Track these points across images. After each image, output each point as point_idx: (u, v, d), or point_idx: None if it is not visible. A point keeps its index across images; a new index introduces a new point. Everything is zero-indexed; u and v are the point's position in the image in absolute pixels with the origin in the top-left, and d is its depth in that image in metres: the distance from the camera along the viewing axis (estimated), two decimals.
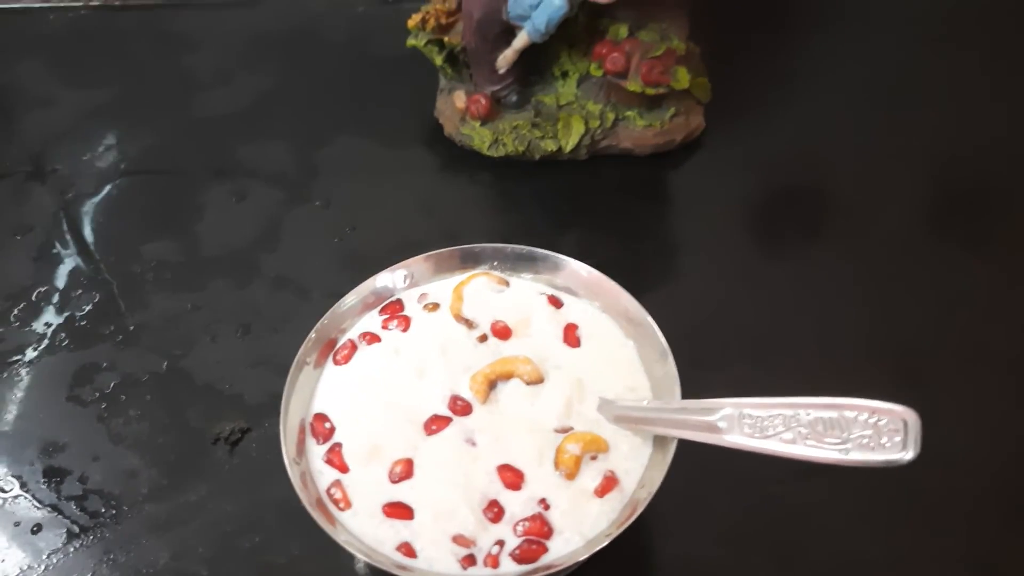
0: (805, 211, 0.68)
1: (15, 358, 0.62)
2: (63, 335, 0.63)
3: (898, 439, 0.37)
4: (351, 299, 0.51)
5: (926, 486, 0.52)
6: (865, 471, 0.50)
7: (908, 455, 0.37)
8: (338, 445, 0.47)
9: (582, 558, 0.42)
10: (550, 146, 0.69)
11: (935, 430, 0.51)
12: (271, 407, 0.56)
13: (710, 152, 0.71)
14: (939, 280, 0.62)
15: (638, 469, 0.45)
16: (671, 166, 0.70)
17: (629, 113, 0.69)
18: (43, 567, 0.52)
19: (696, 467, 0.47)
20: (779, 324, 0.60)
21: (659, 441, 0.46)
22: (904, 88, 0.75)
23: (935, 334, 0.60)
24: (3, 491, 0.56)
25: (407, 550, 0.43)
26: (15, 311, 0.64)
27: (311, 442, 0.47)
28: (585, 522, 0.44)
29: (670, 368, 0.46)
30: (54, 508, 0.55)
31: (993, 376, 0.58)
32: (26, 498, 0.55)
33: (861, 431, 0.38)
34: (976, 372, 0.58)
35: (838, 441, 0.38)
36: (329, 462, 0.46)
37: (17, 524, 0.54)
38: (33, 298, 0.65)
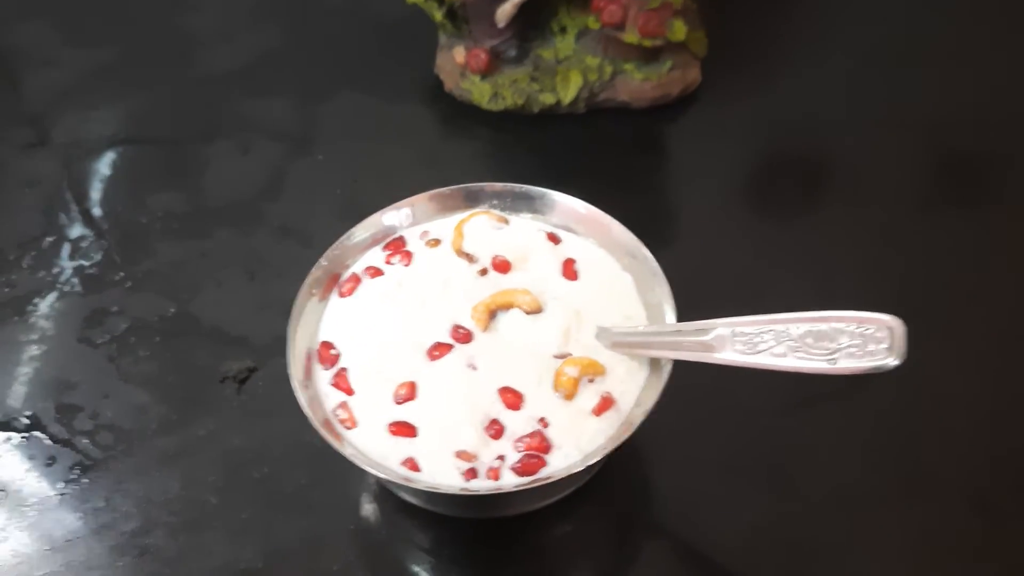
0: (801, 169, 0.69)
1: (28, 303, 0.63)
2: (74, 281, 0.64)
3: (884, 346, 0.38)
4: (360, 232, 0.53)
5: (922, 421, 0.54)
6: (856, 402, 0.53)
7: (894, 361, 0.38)
8: (344, 370, 0.48)
9: (579, 470, 0.44)
10: (549, 99, 0.70)
11: (932, 372, 0.53)
12: (276, 348, 0.57)
13: (706, 106, 0.72)
14: (933, 240, 0.64)
15: (634, 390, 0.47)
16: (668, 119, 0.72)
17: (626, 66, 0.70)
18: (58, 497, 0.54)
19: (693, 400, 0.49)
20: (774, 273, 0.62)
21: (655, 364, 0.47)
22: (904, 47, 0.76)
23: (929, 287, 0.61)
24: (17, 428, 0.57)
25: (411, 464, 0.45)
26: (27, 258, 0.66)
27: (317, 367, 0.49)
28: (583, 438, 0.45)
29: (664, 293, 0.48)
30: (67, 443, 0.56)
31: (989, 323, 0.59)
32: (39, 434, 0.57)
33: (849, 341, 0.39)
34: (972, 319, 0.59)
35: (827, 352, 0.40)
36: (336, 385, 0.48)
37: (32, 457, 0.56)
38: (44, 246, 0.66)
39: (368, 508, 0.53)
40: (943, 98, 0.72)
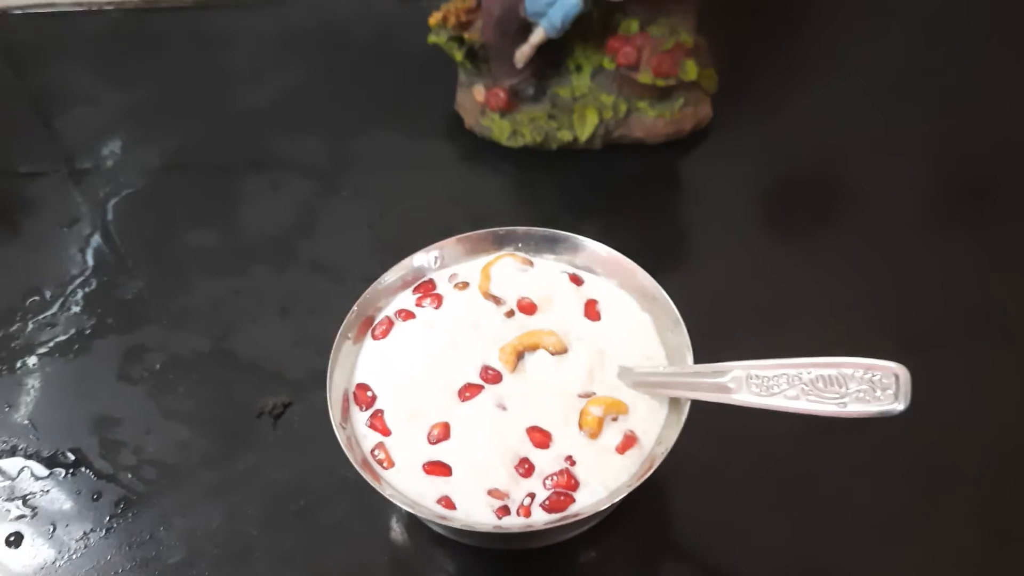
0: (812, 196, 0.71)
1: (69, 341, 0.66)
2: (110, 319, 0.67)
3: (890, 392, 0.41)
4: (390, 276, 0.55)
5: (933, 448, 0.56)
6: (870, 430, 0.55)
7: (900, 406, 0.41)
8: (380, 411, 0.51)
9: (605, 507, 0.46)
10: (566, 136, 0.73)
11: (941, 396, 0.55)
12: (311, 383, 0.61)
13: (719, 140, 0.74)
14: (944, 263, 0.66)
15: (655, 428, 0.49)
16: (682, 154, 0.74)
17: (641, 104, 0.73)
18: (104, 531, 0.57)
19: (710, 434, 0.51)
20: (788, 303, 0.64)
21: (674, 403, 0.50)
22: (911, 76, 0.78)
23: (939, 312, 0.63)
24: (63, 463, 0.60)
25: (447, 503, 0.47)
26: (65, 297, 0.68)
27: (354, 409, 0.51)
28: (608, 475, 0.48)
29: (683, 336, 0.50)
30: (111, 478, 0.59)
31: (1003, 345, 0.61)
32: (85, 469, 0.59)
33: (857, 386, 0.42)
34: (985, 342, 0.61)
35: (837, 396, 0.42)
36: (372, 426, 0.50)
37: (79, 492, 0.59)
38: (82, 285, 0.69)
39: (402, 539, 0.56)
40: (948, 124, 0.74)
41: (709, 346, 0.50)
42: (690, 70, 0.70)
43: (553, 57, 0.73)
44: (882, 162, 0.72)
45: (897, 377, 0.41)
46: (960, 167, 0.72)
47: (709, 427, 0.49)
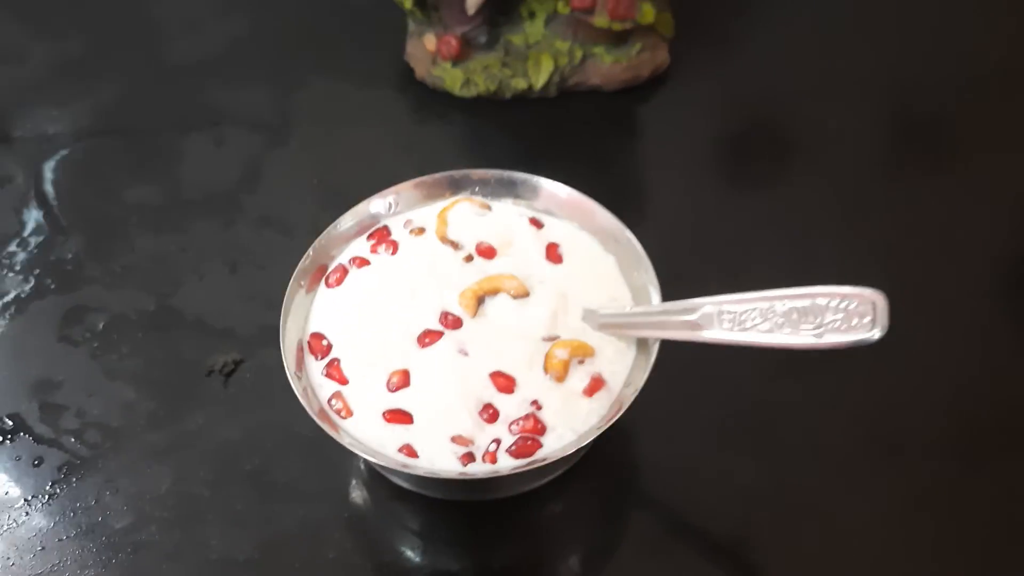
0: (770, 140, 0.70)
1: (3, 303, 0.63)
2: (49, 280, 0.64)
3: (867, 320, 0.40)
4: (346, 222, 0.53)
5: (903, 385, 0.56)
6: (835, 369, 0.55)
7: (876, 334, 0.39)
8: (336, 360, 0.49)
9: (574, 450, 0.45)
10: (520, 84, 0.71)
11: (910, 337, 0.55)
12: (262, 339, 0.59)
13: (676, 86, 0.73)
14: (906, 202, 0.65)
15: (623, 371, 0.48)
16: (639, 100, 0.72)
17: (596, 50, 0.71)
18: (47, 496, 0.54)
19: (680, 376, 0.50)
20: (751, 244, 0.63)
21: (642, 345, 0.48)
22: (867, 18, 0.77)
23: (902, 252, 0.63)
24: (1, 429, 0.57)
25: (408, 451, 0.46)
26: (1, 259, 0.65)
27: (309, 359, 0.49)
28: (576, 419, 0.46)
29: (648, 274, 0.49)
30: (53, 443, 0.56)
31: (963, 285, 0.61)
32: (24, 434, 0.57)
33: (833, 316, 0.41)
34: (946, 282, 0.61)
35: (812, 327, 0.41)
36: (329, 376, 0.48)
37: (18, 458, 0.56)
38: (16, 246, 0.66)
39: (361, 495, 0.54)
40: (905, 64, 0.74)
41: (673, 290, 0.49)
42: (647, 13, 0.68)
43: (505, 3, 0.71)
44: (840, 105, 0.71)
45: (874, 304, 0.40)
46: (916, 108, 0.72)
47: (674, 371, 0.48)
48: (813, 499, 0.52)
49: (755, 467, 0.53)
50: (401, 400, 0.47)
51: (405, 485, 0.50)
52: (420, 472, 0.45)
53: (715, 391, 0.55)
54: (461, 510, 0.53)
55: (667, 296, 0.48)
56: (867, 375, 0.56)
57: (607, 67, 0.71)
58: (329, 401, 0.47)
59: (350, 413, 0.47)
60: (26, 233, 0.67)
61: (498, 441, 0.46)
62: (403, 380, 0.47)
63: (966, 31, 0.76)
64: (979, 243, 0.63)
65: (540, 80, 0.71)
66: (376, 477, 0.53)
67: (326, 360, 0.49)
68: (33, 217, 0.68)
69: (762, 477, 0.53)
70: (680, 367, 0.49)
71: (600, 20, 0.68)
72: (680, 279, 0.50)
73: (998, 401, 0.56)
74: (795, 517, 0.52)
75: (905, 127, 0.70)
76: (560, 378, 0.47)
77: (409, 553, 0.52)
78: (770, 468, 0.53)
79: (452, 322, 0.49)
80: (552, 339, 0.49)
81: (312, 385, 0.48)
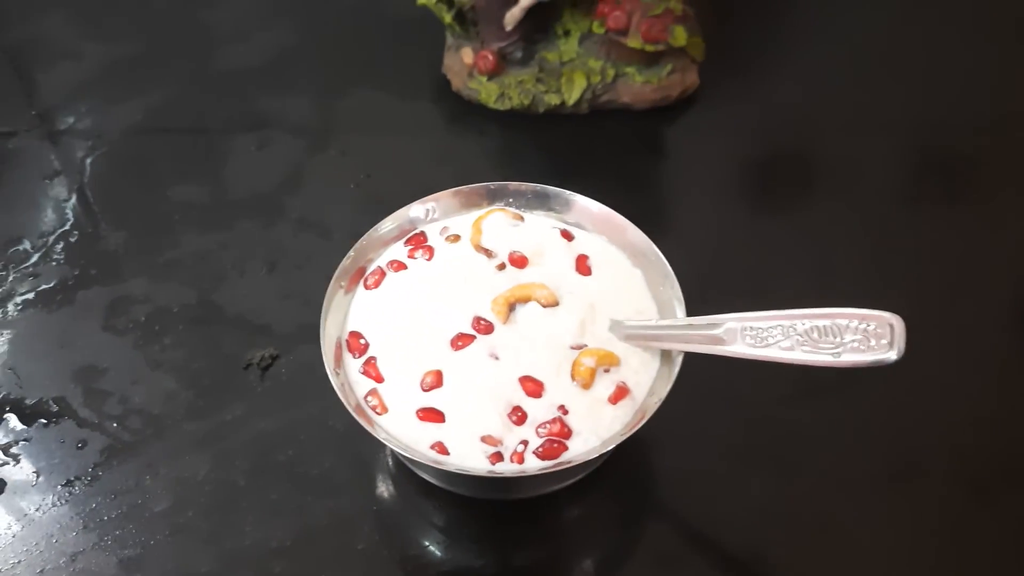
0: (795, 166, 0.72)
1: (52, 292, 0.65)
2: (94, 271, 0.67)
3: (885, 341, 0.42)
4: (386, 226, 0.55)
5: (916, 409, 0.58)
6: (856, 391, 0.56)
7: (893, 355, 0.41)
8: (373, 358, 0.51)
9: (598, 455, 0.47)
10: (553, 100, 0.73)
11: (925, 363, 0.56)
12: (299, 336, 0.61)
13: (705, 108, 0.75)
14: (928, 232, 0.67)
15: (647, 381, 0.50)
16: (668, 120, 0.75)
17: (628, 69, 0.73)
18: (90, 478, 0.56)
19: (700, 391, 0.52)
20: (774, 266, 0.65)
21: (666, 356, 0.50)
22: (897, 52, 0.80)
23: (923, 280, 0.64)
24: (47, 412, 0.59)
25: (440, 448, 0.48)
26: (49, 249, 0.68)
27: (347, 356, 0.51)
28: (601, 425, 0.48)
29: (674, 290, 0.51)
30: (96, 427, 0.59)
31: (980, 315, 0.62)
32: (69, 418, 0.59)
33: (852, 336, 0.42)
34: (964, 311, 0.63)
35: (831, 346, 0.43)
36: (365, 373, 0.50)
37: (63, 441, 0.58)
38: (65, 236, 0.68)
39: (389, 490, 0.56)
40: (930, 100, 0.76)
41: (696, 305, 0.51)
42: (679, 36, 0.70)
43: (542, 21, 0.74)
44: (864, 135, 0.73)
45: (892, 326, 0.42)
46: (943, 141, 0.73)
47: (697, 386, 0.50)
48: (827, 518, 0.54)
49: (770, 484, 0.55)
50: (434, 399, 0.49)
51: (434, 481, 0.53)
52: (451, 468, 0.47)
53: (733, 406, 0.57)
54: (484, 509, 0.55)
55: (691, 312, 0.50)
56: (883, 399, 0.57)
57: (638, 86, 0.73)
58: (365, 397, 0.50)
59: (385, 410, 0.49)
60: (72, 224, 0.69)
61: (526, 442, 0.48)
62: (436, 380, 0.50)
63: (991, 71, 0.78)
64: (996, 275, 0.65)
65: (573, 96, 0.73)
66: (404, 473, 0.55)
67: (363, 358, 0.51)
68: (82, 209, 0.70)
69: (777, 494, 0.55)
70: (702, 383, 0.51)
71: (634, 41, 0.70)
72: (704, 296, 0.52)
73: (1010, 432, 0.57)
74: (808, 535, 0.54)
75: (928, 161, 0.72)
76: (586, 385, 0.49)
77: (433, 548, 0.54)
78: (785, 486, 0.55)
79: (484, 327, 0.51)
80: (580, 347, 0.51)
81: (349, 381, 0.50)
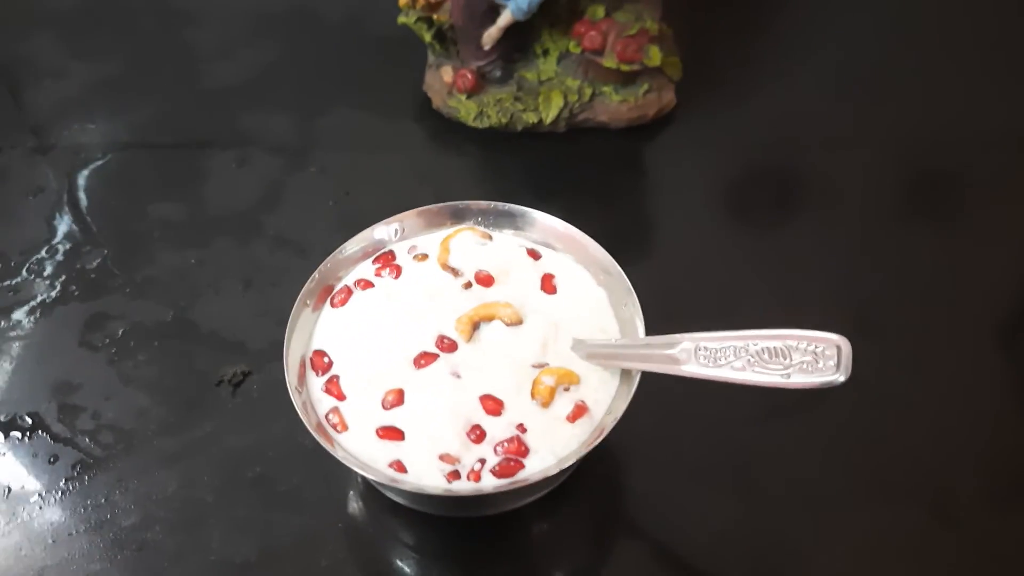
0: (771, 185, 0.73)
1: (30, 307, 0.66)
2: (73, 287, 0.67)
3: (832, 363, 0.42)
4: (352, 247, 0.56)
5: (880, 430, 0.58)
6: (818, 411, 0.57)
7: (841, 377, 0.42)
8: (336, 377, 0.51)
9: (554, 473, 0.47)
10: (531, 118, 0.74)
11: (888, 380, 0.57)
12: (271, 353, 0.61)
13: (681, 127, 0.76)
14: (897, 253, 0.67)
15: (606, 399, 0.50)
16: (644, 139, 0.75)
17: (605, 89, 0.74)
18: (60, 493, 0.57)
19: (665, 409, 0.52)
20: (742, 287, 0.65)
21: (625, 375, 0.51)
22: (871, 70, 0.80)
23: (890, 300, 0.65)
24: (21, 426, 0.60)
25: (398, 466, 0.48)
26: (29, 264, 0.68)
27: (311, 374, 0.52)
28: (558, 443, 0.49)
29: (635, 308, 0.51)
30: (68, 442, 0.59)
31: (950, 334, 0.63)
32: (42, 432, 0.60)
33: (801, 358, 0.43)
34: (926, 331, 0.63)
35: (781, 367, 0.43)
36: (328, 391, 0.51)
37: (35, 455, 0.59)
38: (45, 252, 0.69)
39: (356, 507, 0.56)
40: (908, 118, 0.76)
41: (663, 325, 0.51)
42: (654, 56, 0.71)
43: (520, 40, 0.74)
44: (841, 154, 0.74)
45: (839, 348, 0.42)
46: (918, 161, 0.74)
47: (663, 406, 0.51)
48: (786, 532, 0.54)
49: (734, 503, 0.55)
50: (394, 418, 0.50)
51: (398, 500, 0.53)
52: (407, 487, 0.47)
53: (696, 424, 0.57)
54: (451, 526, 0.55)
55: (656, 332, 0.51)
56: (849, 418, 0.58)
57: (615, 106, 0.74)
58: (327, 416, 0.50)
59: (346, 428, 0.50)
60: (56, 240, 0.70)
61: (483, 461, 0.48)
62: (397, 399, 0.50)
63: (969, 90, 0.78)
64: (971, 294, 0.65)
65: (550, 115, 0.74)
66: (372, 490, 0.56)
67: (326, 376, 0.52)
68: (64, 226, 0.71)
69: (741, 513, 0.55)
70: (667, 401, 0.51)
71: (609, 62, 0.71)
72: (670, 315, 0.52)
73: (978, 452, 0.57)
74: (771, 555, 0.54)
75: (906, 180, 0.72)
76: (546, 403, 0.50)
77: (400, 565, 0.55)
78: (749, 505, 0.55)
79: (448, 345, 0.52)
80: (541, 366, 0.51)
81: (312, 400, 0.51)
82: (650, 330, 0.51)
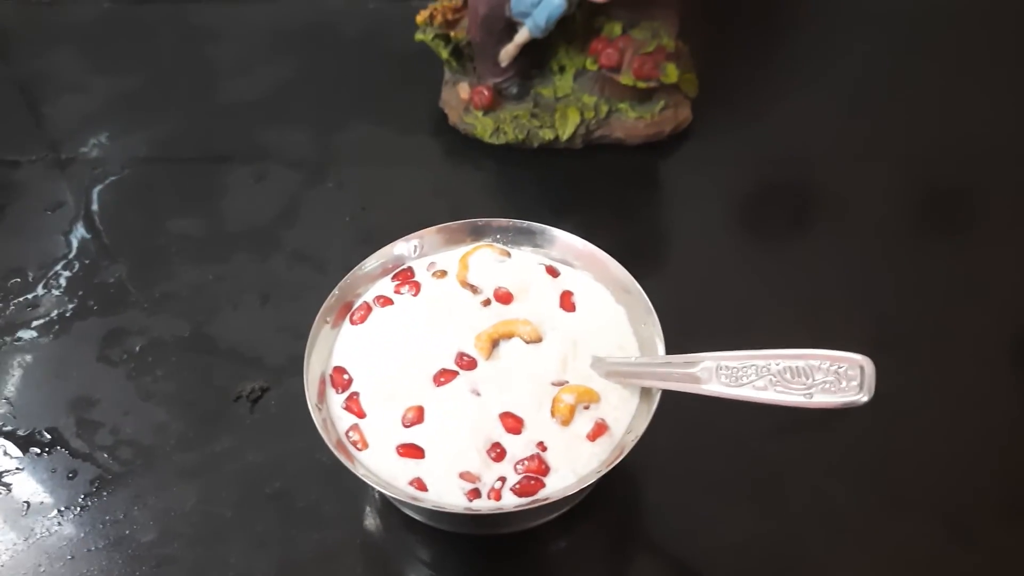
0: (787, 201, 0.73)
1: (49, 322, 0.66)
2: (91, 302, 0.67)
3: (855, 383, 0.42)
4: (371, 263, 0.56)
5: (899, 447, 0.58)
6: (839, 428, 0.57)
7: (864, 397, 0.41)
8: (355, 394, 0.51)
9: (575, 491, 0.47)
10: (548, 135, 0.74)
11: (909, 397, 0.57)
12: (289, 368, 0.62)
13: (697, 143, 0.76)
14: (916, 267, 0.67)
15: (626, 417, 0.50)
16: (660, 156, 0.75)
17: (621, 105, 0.74)
18: (79, 508, 0.57)
19: (684, 426, 0.52)
20: (760, 303, 0.65)
21: (645, 393, 0.51)
22: (889, 85, 0.80)
23: (907, 316, 0.64)
24: (39, 442, 0.60)
25: (419, 484, 0.48)
26: (47, 279, 0.69)
27: (331, 391, 0.52)
28: (578, 461, 0.49)
29: (655, 327, 0.51)
30: (87, 457, 0.59)
31: (967, 352, 0.62)
32: (61, 448, 0.60)
33: (824, 377, 0.43)
34: (950, 348, 0.63)
35: (803, 387, 0.43)
36: (348, 408, 0.51)
37: (54, 471, 0.59)
38: (63, 267, 0.69)
39: (374, 523, 0.56)
40: (924, 133, 0.76)
41: (681, 341, 0.51)
42: (671, 73, 0.71)
43: (537, 57, 0.75)
44: (857, 169, 0.74)
45: (862, 369, 0.42)
46: (933, 176, 0.74)
47: (679, 421, 0.50)
48: (804, 548, 0.54)
49: (753, 519, 0.55)
50: (414, 435, 0.50)
51: (416, 517, 0.53)
52: (428, 505, 0.47)
53: (715, 442, 0.57)
54: (469, 543, 0.55)
55: (675, 348, 0.51)
56: (867, 434, 0.58)
57: (631, 122, 0.74)
58: (347, 433, 0.50)
59: (366, 445, 0.50)
60: (73, 255, 0.70)
61: (503, 479, 0.48)
62: (417, 416, 0.50)
63: (983, 105, 0.79)
64: (988, 311, 0.65)
65: (566, 132, 0.74)
66: (390, 507, 0.56)
67: (346, 394, 0.52)
68: (81, 240, 0.71)
69: (760, 529, 0.55)
70: (685, 418, 0.51)
71: (626, 79, 0.71)
72: (687, 331, 0.53)
73: (995, 469, 0.57)
74: (790, 570, 0.54)
75: (923, 196, 0.72)
76: (566, 422, 0.50)
77: None
78: (767, 520, 0.55)
79: (467, 363, 0.52)
80: (561, 384, 0.51)
81: (332, 417, 0.51)
82: (668, 346, 0.51)
